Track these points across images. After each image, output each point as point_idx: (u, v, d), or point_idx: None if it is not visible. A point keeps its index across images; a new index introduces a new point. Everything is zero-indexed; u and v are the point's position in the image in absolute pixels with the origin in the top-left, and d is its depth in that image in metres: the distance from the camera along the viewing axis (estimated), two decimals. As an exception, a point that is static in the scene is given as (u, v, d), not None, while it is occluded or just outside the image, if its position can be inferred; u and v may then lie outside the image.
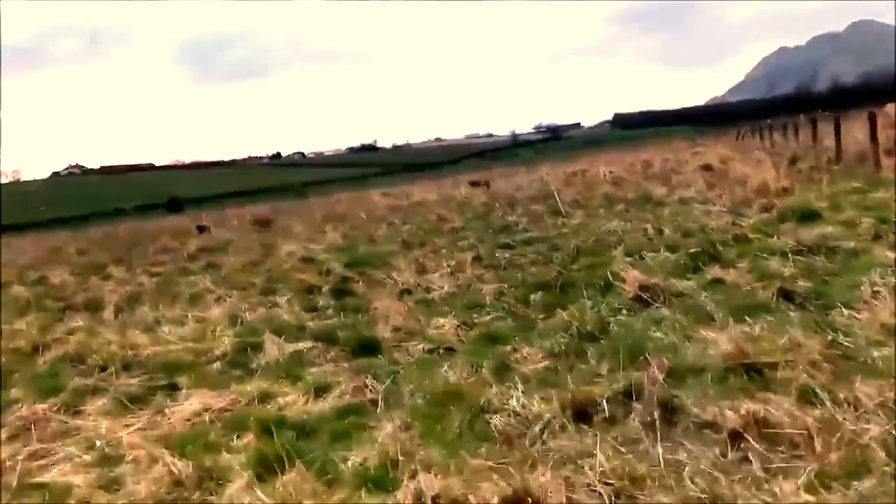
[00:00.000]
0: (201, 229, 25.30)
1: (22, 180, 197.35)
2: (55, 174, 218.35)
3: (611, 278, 7.43)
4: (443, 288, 8.65)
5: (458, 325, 6.81)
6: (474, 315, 7.24)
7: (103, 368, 6.59)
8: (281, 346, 6.74)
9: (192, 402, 5.54)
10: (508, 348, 5.94)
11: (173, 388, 6.11)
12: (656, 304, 6.48)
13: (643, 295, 6.68)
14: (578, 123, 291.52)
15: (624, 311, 6.37)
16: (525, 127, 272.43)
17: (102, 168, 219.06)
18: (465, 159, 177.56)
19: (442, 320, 7.10)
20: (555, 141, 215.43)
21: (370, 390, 5.34)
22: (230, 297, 9.40)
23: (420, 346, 6.38)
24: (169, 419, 5.30)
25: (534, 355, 5.65)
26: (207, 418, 5.27)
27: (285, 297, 9.15)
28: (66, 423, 5.44)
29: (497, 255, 10.49)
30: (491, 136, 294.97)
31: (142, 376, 6.48)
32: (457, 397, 4.95)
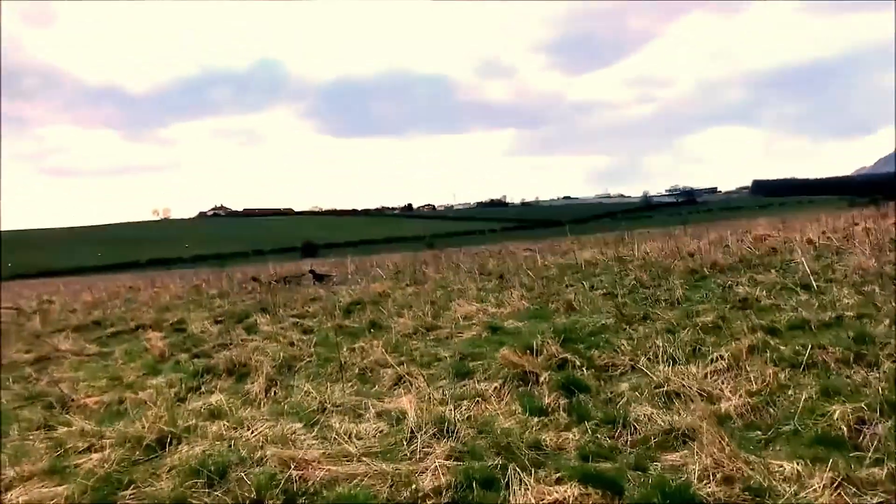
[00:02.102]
0: (319, 278, 23.54)
1: (171, 218, 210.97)
2: (201, 214, 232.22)
3: None
4: (732, 396, 5.82)
5: (838, 483, 3.97)
6: (839, 460, 4.35)
7: (256, 501, 4.19)
8: (531, 487, 4.14)
9: None
10: None
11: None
12: None
13: None
14: (715, 188, 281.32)
15: None
16: (658, 189, 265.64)
17: (245, 210, 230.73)
18: (596, 219, 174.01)
19: (789, 465, 4.29)
20: (690, 205, 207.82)
21: None
22: (415, 377, 6.92)
23: (788, 523, 3.59)
24: None
25: None
26: None
27: (492, 386, 6.60)
28: None
29: (770, 342, 7.52)
30: (622, 196, 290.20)
31: (314, 521, 4.05)
32: None
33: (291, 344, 10.16)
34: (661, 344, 7.71)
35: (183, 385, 7.66)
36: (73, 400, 7.40)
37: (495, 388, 6.49)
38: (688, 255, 19.00)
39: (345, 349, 8.84)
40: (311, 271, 25.50)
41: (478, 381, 6.86)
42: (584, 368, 7.06)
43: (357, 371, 7.59)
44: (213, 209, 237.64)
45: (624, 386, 6.44)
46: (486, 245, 67.57)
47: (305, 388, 6.87)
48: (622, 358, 7.33)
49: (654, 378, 6.36)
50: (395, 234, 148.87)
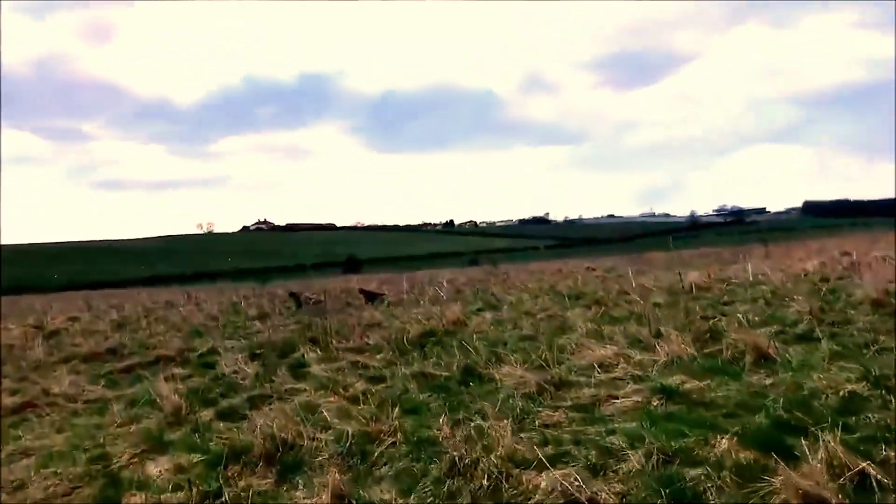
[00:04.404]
0: (371, 298, 20.59)
1: (215, 231, 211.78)
2: (245, 228, 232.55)
3: None
4: None
5: None
6: None
7: None
8: None
9: None
10: None
11: None
12: None
13: None
14: (763, 208, 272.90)
15: None
16: (705, 208, 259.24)
17: (288, 225, 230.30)
18: (641, 237, 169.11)
19: None
20: (738, 225, 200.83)
21: None
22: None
23: None
24: None
25: None
26: None
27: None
28: None
29: None
30: (667, 215, 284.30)
31: None
32: None
33: (356, 400, 7.17)
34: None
35: (195, 487, 4.67)
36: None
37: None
38: (820, 282, 15.62)
39: (444, 420, 5.78)
40: (362, 290, 22.59)
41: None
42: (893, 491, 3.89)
43: (481, 472, 4.48)
44: (256, 223, 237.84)
45: None
46: (536, 262, 64.04)
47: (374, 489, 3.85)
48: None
49: None
50: (438, 249, 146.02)
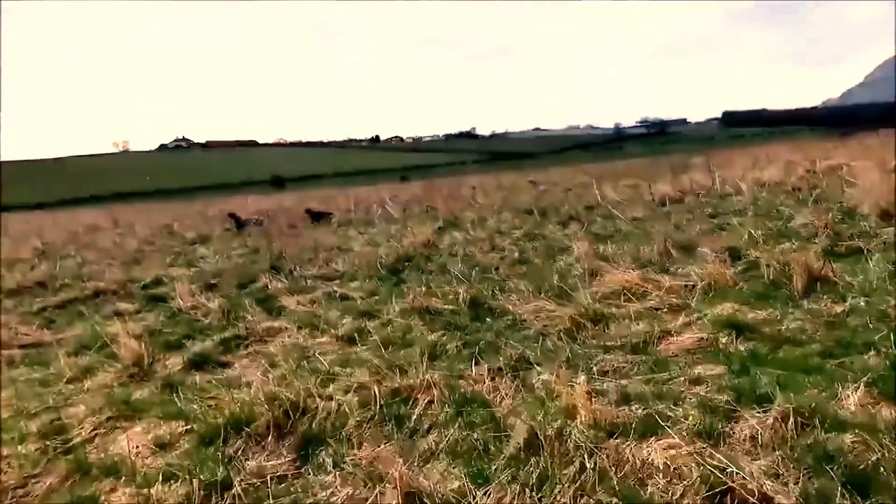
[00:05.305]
0: (317, 217, 19.58)
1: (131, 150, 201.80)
2: (162, 146, 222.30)
3: None
4: None
5: None
6: None
7: None
8: None
9: None
10: None
11: None
12: None
13: None
14: (685, 119, 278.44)
15: None
16: (628, 120, 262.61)
17: (208, 143, 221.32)
18: (567, 150, 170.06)
19: None
20: (661, 136, 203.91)
21: None
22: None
23: None
24: None
25: None
26: None
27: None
28: None
29: None
30: (592, 127, 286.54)
31: None
32: None
33: (351, 341, 6.15)
34: None
35: (195, 478, 3.59)
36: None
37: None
38: (795, 190, 15.19)
39: (484, 372, 4.82)
40: (308, 210, 21.22)
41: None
42: None
43: (573, 447, 3.54)
44: (174, 141, 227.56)
45: None
46: (469, 176, 62.61)
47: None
48: None
49: None
50: (365, 166, 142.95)
